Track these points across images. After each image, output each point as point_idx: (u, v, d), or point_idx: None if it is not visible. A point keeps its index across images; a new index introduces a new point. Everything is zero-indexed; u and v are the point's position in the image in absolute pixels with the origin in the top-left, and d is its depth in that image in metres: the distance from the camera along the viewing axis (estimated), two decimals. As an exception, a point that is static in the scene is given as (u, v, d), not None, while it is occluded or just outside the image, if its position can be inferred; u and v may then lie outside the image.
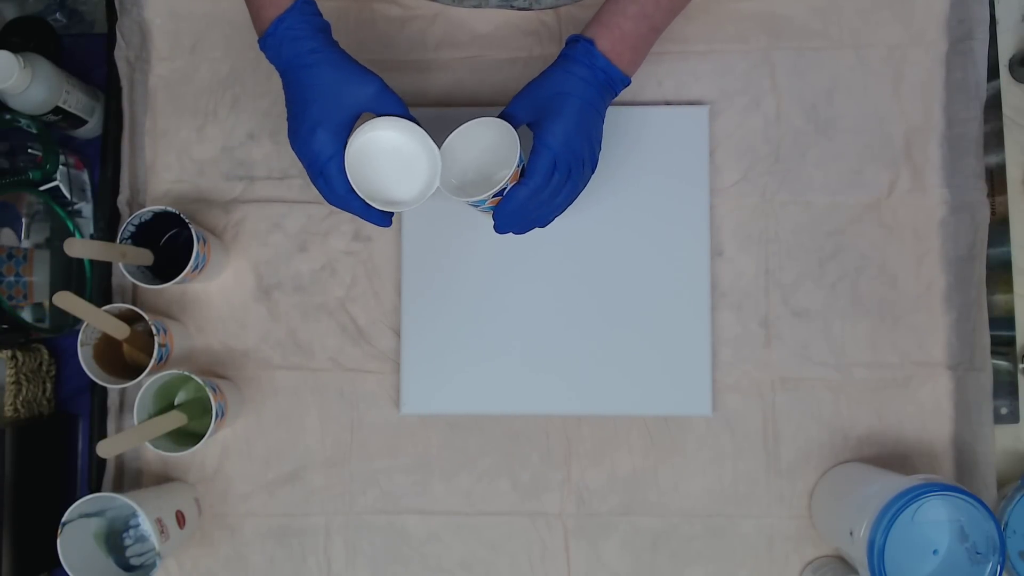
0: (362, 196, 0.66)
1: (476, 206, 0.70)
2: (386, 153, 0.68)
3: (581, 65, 0.65)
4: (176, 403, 0.81)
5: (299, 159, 0.67)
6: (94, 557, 0.75)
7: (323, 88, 0.65)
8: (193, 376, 0.76)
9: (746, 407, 0.82)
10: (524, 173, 0.67)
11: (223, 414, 0.77)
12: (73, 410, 0.88)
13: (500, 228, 0.69)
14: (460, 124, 0.69)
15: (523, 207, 0.67)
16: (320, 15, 0.67)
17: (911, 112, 0.83)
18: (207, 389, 0.76)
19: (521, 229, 0.70)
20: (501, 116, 0.69)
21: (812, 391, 0.82)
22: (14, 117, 0.82)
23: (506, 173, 0.67)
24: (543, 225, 0.71)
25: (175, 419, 0.77)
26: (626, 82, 0.68)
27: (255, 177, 0.85)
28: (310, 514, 0.82)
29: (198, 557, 0.82)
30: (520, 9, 0.84)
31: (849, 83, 0.83)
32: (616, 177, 0.78)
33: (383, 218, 0.68)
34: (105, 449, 0.72)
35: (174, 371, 0.77)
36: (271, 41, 0.65)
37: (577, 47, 0.66)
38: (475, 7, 0.84)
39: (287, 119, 0.67)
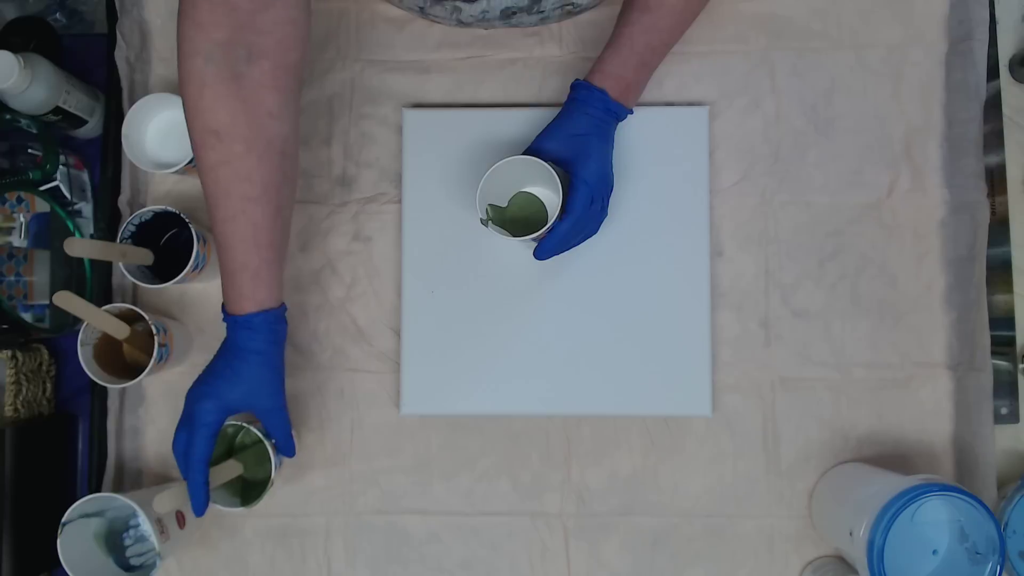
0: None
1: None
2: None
3: (598, 109, 0.74)
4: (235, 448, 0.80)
5: (188, 404, 0.70)
6: (94, 557, 0.75)
7: (262, 379, 0.70)
8: (251, 428, 0.76)
9: (746, 407, 0.82)
10: (564, 208, 0.73)
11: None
12: (73, 410, 0.87)
13: (542, 256, 0.75)
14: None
15: (565, 238, 0.74)
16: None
17: (911, 112, 0.83)
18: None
19: (558, 253, 0.76)
20: (529, 152, 0.75)
21: (812, 391, 0.82)
22: (14, 117, 0.82)
23: (552, 213, 0.73)
24: (574, 246, 0.78)
25: (232, 469, 0.75)
26: (631, 113, 0.77)
27: (255, 177, 0.85)
28: (310, 514, 0.82)
29: (198, 557, 0.82)
30: (527, 27, 0.84)
31: (849, 83, 0.84)
32: (616, 177, 0.78)
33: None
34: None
35: (232, 423, 0.76)
36: (256, 321, 0.69)
37: (592, 95, 0.74)
38: (483, 29, 0.84)
39: (209, 374, 0.70)
